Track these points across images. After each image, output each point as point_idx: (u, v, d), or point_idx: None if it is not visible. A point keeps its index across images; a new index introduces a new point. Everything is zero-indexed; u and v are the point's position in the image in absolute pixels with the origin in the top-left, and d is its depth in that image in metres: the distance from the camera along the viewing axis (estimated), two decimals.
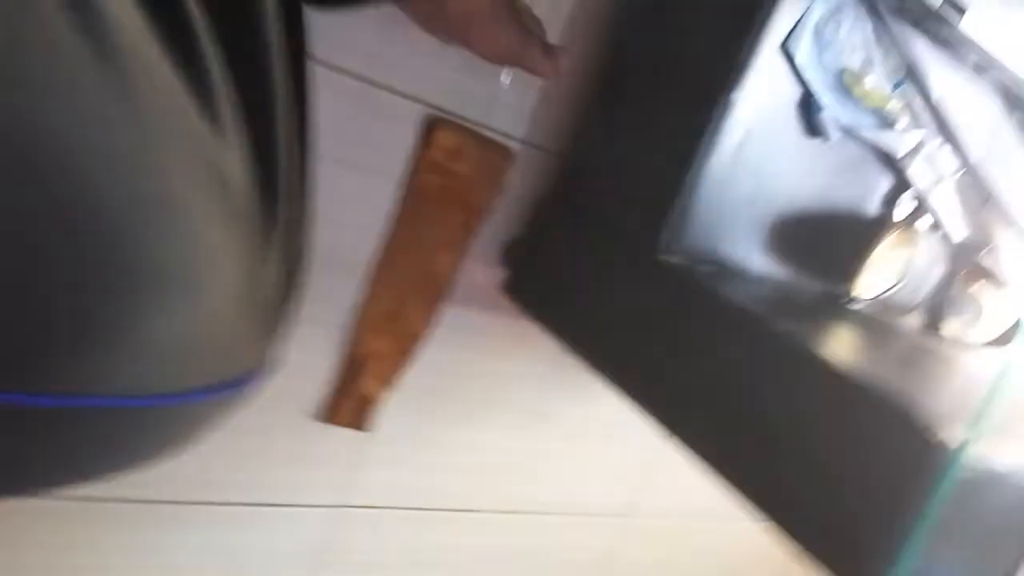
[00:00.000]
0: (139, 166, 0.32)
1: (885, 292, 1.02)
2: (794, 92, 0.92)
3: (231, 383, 0.41)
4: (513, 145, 1.08)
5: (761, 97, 0.91)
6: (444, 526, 1.29)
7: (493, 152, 1.03)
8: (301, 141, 0.48)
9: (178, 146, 0.34)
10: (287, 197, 0.44)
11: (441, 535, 1.29)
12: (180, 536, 1.06)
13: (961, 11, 0.89)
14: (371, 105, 0.97)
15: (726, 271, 0.97)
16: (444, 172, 0.99)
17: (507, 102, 1.06)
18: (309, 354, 1.05)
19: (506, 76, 1.04)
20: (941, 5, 0.86)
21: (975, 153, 1.00)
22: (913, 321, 1.08)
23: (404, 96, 0.98)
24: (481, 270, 1.13)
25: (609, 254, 1.01)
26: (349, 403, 1.05)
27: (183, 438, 0.42)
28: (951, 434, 0.72)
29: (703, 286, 0.91)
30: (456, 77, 1.01)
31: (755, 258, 0.99)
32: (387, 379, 1.07)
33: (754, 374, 0.83)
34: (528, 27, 0.92)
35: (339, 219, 1.01)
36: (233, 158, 0.38)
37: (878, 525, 0.71)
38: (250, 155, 0.40)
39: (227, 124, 0.37)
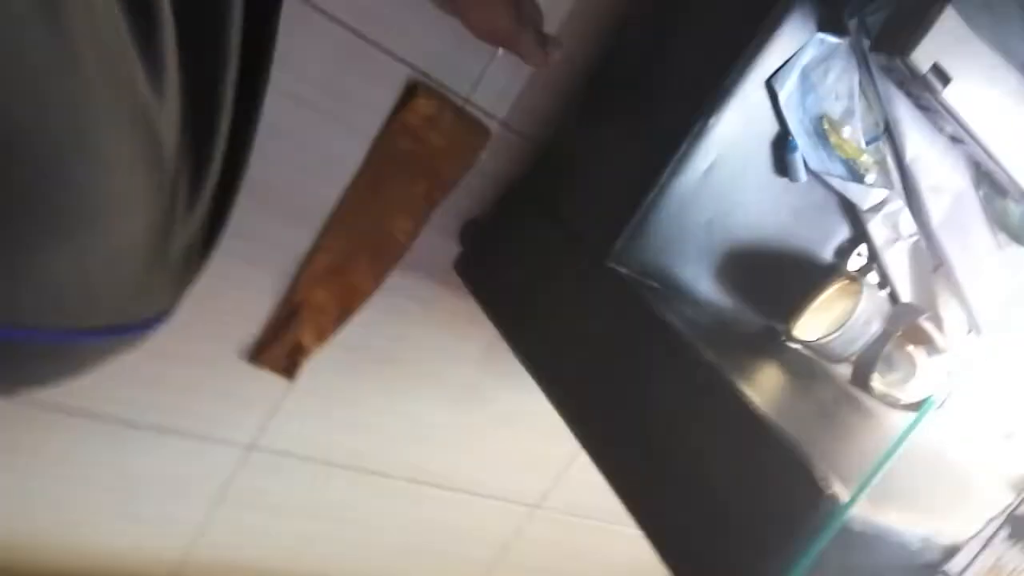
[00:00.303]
0: (68, 109, 0.32)
1: (823, 338, 1.03)
2: (771, 129, 0.93)
3: (127, 327, 0.41)
4: (492, 125, 1.07)
5: (738, 127, 0.91)
6: (351, 484, 1.29)
7: (470, 128, 1.03)
8: (249, 104, 0.47)
9: (111, 96, 0.34)
10: (219, 159, 0.44)
11: (346, 492, 1.30)
12: (83, 448, 1.05)
13: (946, 80, 0.90)
14: (357, 58, 0.96)
15: (672, 291, 0.98)
16: (416, 138, 0.99)
17: (494, 82, 1.05)
18: (249, 294, 1.04)
19: (502, 52, 1.03)
20: (928, 71, 0.87)
21: (936, 219, 1.02)
22: (845, 371, 1.10)
23: (392, 55, 0.97)
24: (437, 242, 1.13)
25: (562, 253, 1.02)
26: (279, 349, 1.05)
27: (71, 373, 0.42)
28: (843, 489, 0.74)
29: (645, 301, 0.92)
30: (447, 48, 1.00)
31: (703, 283, 1.01)
32: (322, 332, 1.07)
33: (672, 397, 0.85)
34: (527, 14, 0.91)
35: (304, 165, 1.00)
36: (168, 116, 0.38)
37: (753, 564, 0.73)
38: (188, 114, 0.40)
39: (169, 81, 0.37)
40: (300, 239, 1.03)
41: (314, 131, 0.98)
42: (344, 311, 1.07)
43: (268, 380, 1.11)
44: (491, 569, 1.62)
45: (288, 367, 1.08)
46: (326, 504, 1.29)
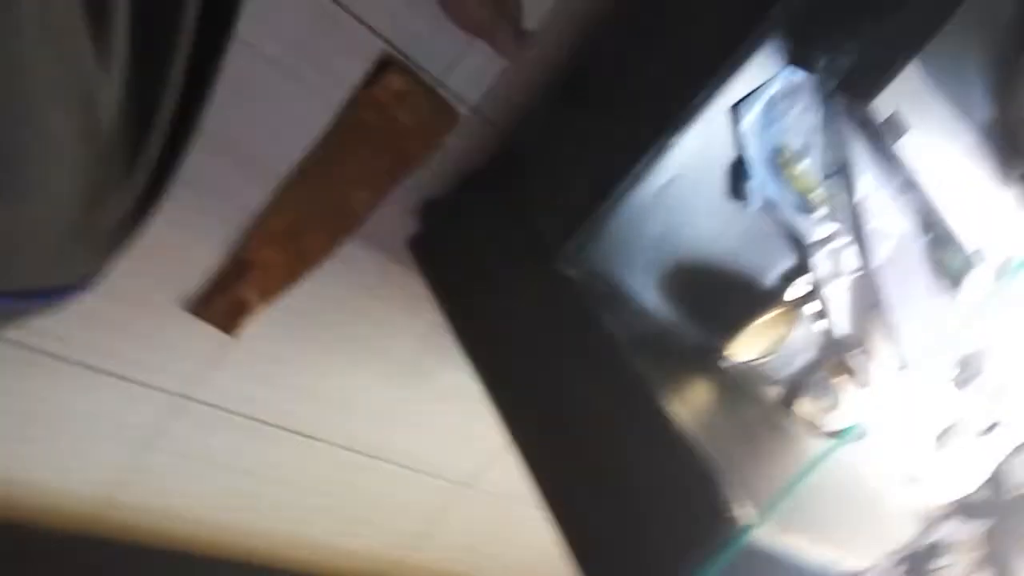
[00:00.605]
0: (7, 79, 0.32)
1: (755, 360, 1.07)
2: (730, 153, 0.95)
3: (47, 292, 0.41)
4: (462, 110, 1.07)
5: (699, 148, 0.93)
6: (282, 445, 1.30)
7: (439, 111, 1.03)
8: (202, 75, 0.47)
9: (54, 69, 0.34)
10: (162, 132, 0.44)
11: (277, 452, 1.31)
12: (15, 380, 1.04)
13: (902, 130, 0.93)
14: (334, 26, 0.95)
15: (617, 297, 1.00)
16: (384, 113, 0.99)
17: (469, 67, 1.05)
18: (198, 244, 1.04)
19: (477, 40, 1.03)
20: (885, 120, 0.90)
21: (878, 259, 1.05)
22: (772, 393, 1.14)
23: (368, 28, 0.97)
24: (395, 218, 1.13)
25: (515, 245, 1.03)
26: (222, 302, 1.05)
27: None
28: (747, 511, 0.77)
29: (587, 304, 0.94)
30: (426, 28, 0.99)
31: (648, 293, 1.03)
32: (268, 292, 1.07)
33: (599, 402, 0.87)
34: (506, 6, 0.91)
35: (269, 125, 1.00)
36: (112, 87, 0.38)
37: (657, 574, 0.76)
38: (134, 84, 0.40)
39: (117, 53, 0.37)
40: (257, 197, 1.03)
41: (283, 92, 0.98)
42: (292, 274, 1.07)
43: (207, 332, 1.11)
44: (417, 542, 1.65)
45: (228, 321, 1.08)
46: (255, 462, 1.30)
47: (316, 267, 1.09)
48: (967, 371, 1.12)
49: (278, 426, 1.28)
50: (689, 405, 0.96)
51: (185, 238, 1.02)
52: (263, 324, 1.13)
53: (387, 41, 0.98)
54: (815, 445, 1.10)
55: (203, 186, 0.98)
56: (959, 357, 1.14)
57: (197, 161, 0.94)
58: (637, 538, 0.81)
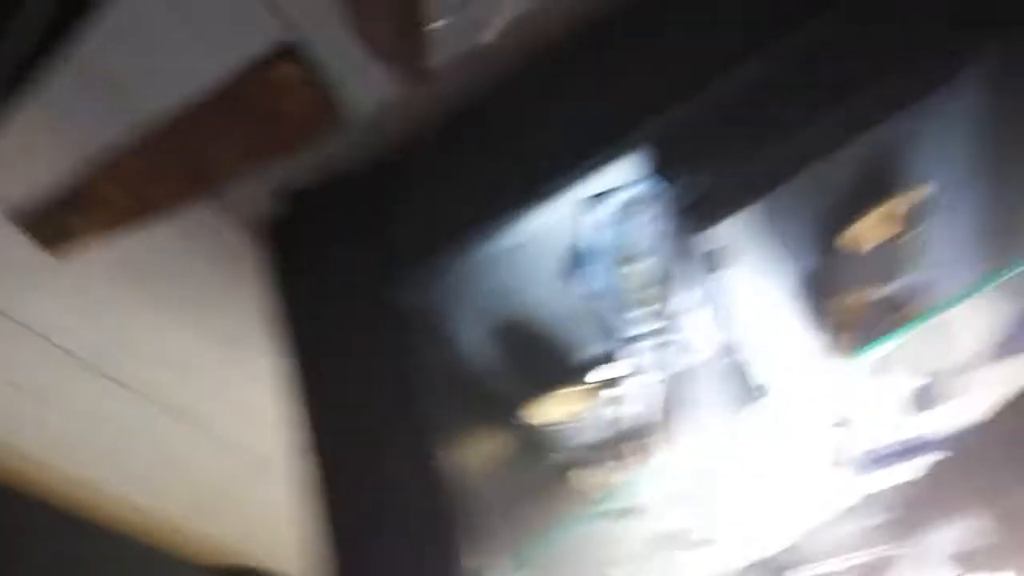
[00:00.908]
0: None
1: (548, 426, 1.14)
2: (575, 238, 1.02)
3: None
4: (357, 114, 1.09)
5: (551, 224, 1.00)
6: (86, 381, 1.27)
7: (326, 111, 1.05)
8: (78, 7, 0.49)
9: None
10: (13, 56, 0.46)
11: (79, 388, 1.28)
12: None
13: (722, 265, 1.03)
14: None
15: (439, 336, 1.06)
16: (268, 97, 1.00)
17: (374, 76, 1.08)
18: (44, 164, 1.01)
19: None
20: (709, 251, 1.00)
21: (675, 369, 1.16)
22: (555, 459, 1.22)
23: (275, 13, 0.97)
24: (260, 197, 1.14)
25: (361, 258, 1.06)
26: (52, 227, 1.03)
27: None
28: (484, 562, 0.83)
29: (405, 333, 0.99)
30: (339, 27, 1.01)
31: (470, 341, 1.08)
32: (105, 228, 1.06)
33: (384, 428, 0.91)
34: (412, 34, 0.95)
35: (155, 69, 0.99)
36: None
37: None
38: None
39: None
40: (116, 134, 1.01)
41: (180, 42, 0.97)
42: (131, 217, 1.06)
43: (35, 250, 1.08)
44: (201, 513, 1.63)
45: (53, 243, 1.05)
46: (49, 388, 1.26)
47: (158, 218, 1.08)
48: (700, 488, 1.24)
49: (84, 360, 1.25)
50: (472, 452, 1.02)
51: (32, 152, 0.99)
52: (96, 261, 1.11)
53: (296, 28, 1.00)
54: (576, 514, 1.18)
55: (66, 108, 0.96)
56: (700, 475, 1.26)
57: (68, 82, 0.93)
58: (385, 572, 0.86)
